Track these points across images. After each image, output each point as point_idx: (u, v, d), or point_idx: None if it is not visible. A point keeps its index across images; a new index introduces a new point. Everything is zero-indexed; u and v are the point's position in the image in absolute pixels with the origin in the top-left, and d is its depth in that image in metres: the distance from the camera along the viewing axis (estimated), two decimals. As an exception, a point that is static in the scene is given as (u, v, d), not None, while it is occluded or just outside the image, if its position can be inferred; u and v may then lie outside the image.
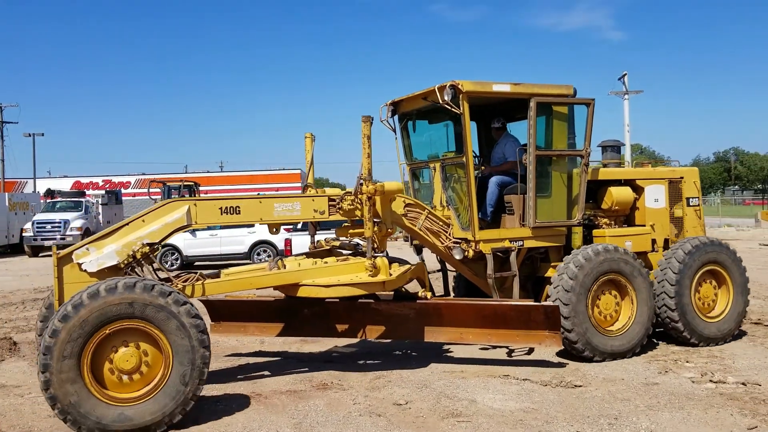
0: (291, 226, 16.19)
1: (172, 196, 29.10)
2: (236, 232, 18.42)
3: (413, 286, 7.22)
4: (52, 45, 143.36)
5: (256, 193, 29.13)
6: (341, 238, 7.27)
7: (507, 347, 7.51)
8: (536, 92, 7.17)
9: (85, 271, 5.56)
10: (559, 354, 7.18)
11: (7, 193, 32.29)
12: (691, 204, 8.30)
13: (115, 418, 5.00)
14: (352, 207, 6.63)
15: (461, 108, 6.93)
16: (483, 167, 7.70)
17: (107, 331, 5.11)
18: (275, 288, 6.75)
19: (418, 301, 6.88)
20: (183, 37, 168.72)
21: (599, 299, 7.01)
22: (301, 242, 15.20)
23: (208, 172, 52.44)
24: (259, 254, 18.56)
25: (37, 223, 26.25)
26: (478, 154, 8.24)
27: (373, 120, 6.47)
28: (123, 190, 39.48)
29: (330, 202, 6.63)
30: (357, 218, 6.81)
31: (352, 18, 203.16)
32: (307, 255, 7.10)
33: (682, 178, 8.30)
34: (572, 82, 7.40)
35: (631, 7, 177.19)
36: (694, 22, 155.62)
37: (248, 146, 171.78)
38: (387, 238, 6.96)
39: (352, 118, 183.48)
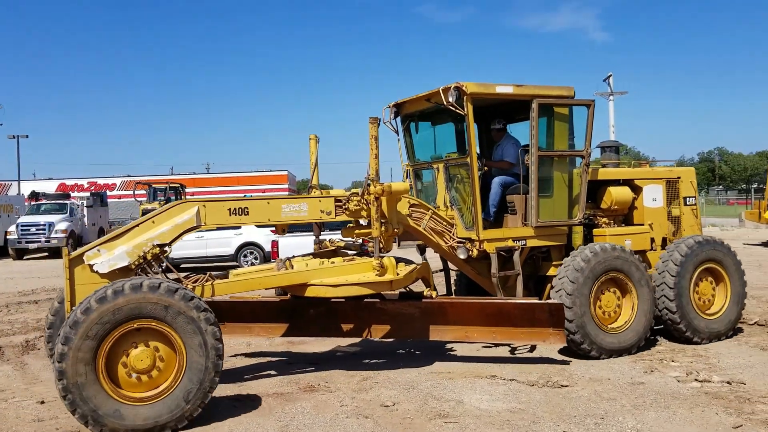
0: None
1: (158, 198, 29.01)
2: (222, 233, 18.13)
3: (416, 286, 7.28)
4: (36, 46, 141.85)
5: (242, 194, 29.06)
6: (346, 239, 7.33)
7: (507, 345, 7.60)
8: (538, 94, 7.29)
9: (97, 272, 5.58)
10: (561, 351, 7.28)
11: (-9, 196, 31.93)
12: (687, 203, 8.47)
13: (110, 413, 5.00)
14: (358, 207, 6.68)
15: (465, 109, 7.03)
16: (486, 167, 7.78)
17: (135, 326, 5.16)
18: (283, 288, 6.79)
19: (423, 300, 6.95)
20: (168, 38, 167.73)
21: (601, 297, 7.12)
22: (288, 244, 15.13)
23: (194, 173, 52.19)
24: (245, 256, 18.36)
25: (22, 225, 25.92)
26: (480, 154, 8.33)
27: (380, 121, 6.53)
28: (108, 192, 39.20)
29: (336, 203, 6.68)
30: (362, 219, 6.88)
31: (337, 19, 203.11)
32: (314, 255, 7.16)
33: (679, 177, 8.47)
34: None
35: (616, 7, 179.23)
36: (679, 23, 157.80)
37: (234, 147, 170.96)
38: (393, 238, 7.02)
39: (337, 119, 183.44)
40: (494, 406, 5.58)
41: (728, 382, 6.00)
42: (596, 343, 6.90)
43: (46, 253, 26.76)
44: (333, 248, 7.39)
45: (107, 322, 5.04)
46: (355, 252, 7.26)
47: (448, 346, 7.84)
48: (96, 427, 4.99)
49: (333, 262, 6.76)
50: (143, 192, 30.19)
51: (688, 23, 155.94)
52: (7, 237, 26.12)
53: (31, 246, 25.61)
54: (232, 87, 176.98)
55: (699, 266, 7.58)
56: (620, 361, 6.88)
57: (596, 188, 8.08)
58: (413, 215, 7.24)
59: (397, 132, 8.18)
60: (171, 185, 30.04)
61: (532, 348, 7.54)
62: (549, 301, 6.79)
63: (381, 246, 6.62)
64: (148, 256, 5.75)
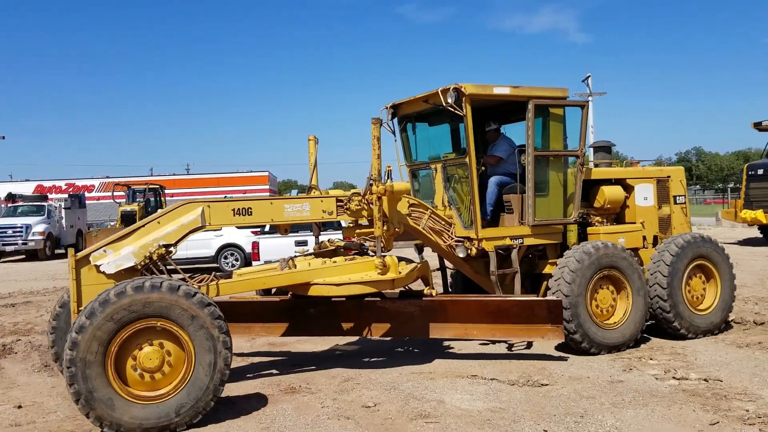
0: (258, 229, 16.06)
1: (137, 200, 28.70)
2: (203, 235, 17.80)
3: (415, 285, 7.37)
4: (10, 46, 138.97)
5: (223, 196, 28.90)
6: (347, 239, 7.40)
7: (492, 343, 7.72)
8: (534, 95, 7.43)
9: (104, 272, 5.58)
10: (557, 348, 7.42)
11: (-34, 198, 31.32)
12: (677, 202, 8.69)
13: (104, 399, 5.00)
14: (359, 207, 6.76)
15: (464, 110, 7.14)
16: (483, 167, 7.90)
17: (158, 324, 5.23)
18: (285, 288, 6.83)
19: (423, 298, 7.04)
20: (145, 38, 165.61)
21: (597, 294, 7.27)
22: (269, 245, 15.11)
23: (174, 174, 51.65)
24: (226, 257, 18.20)
25: (-2, 227, 25.51)
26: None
27: (382, 122, 6.62)
28: (86, 194, 38.57)
29: (338, 203, 6.75)
30: (363, 218, 6.95)
31: (316, 19, 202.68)
32: (315, 255, 7.21)
33: (669, 177, 8.68)
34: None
35: (596, 9, 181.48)
36: (657, 24, 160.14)
37: (215, 148, 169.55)
38: (393, 237, 7.10)
39: (319, 121, 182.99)
40: (475, 406, 5.59)
41: (705, 380, 6.06)
42: (592, 339, 7.04)
43: (23, 256, 26.34)
44: (333, 248, 7.45)
45: (134, 312, 5.11)
46: (355, 252, 7.33)
47: (430, 345, 7.89)
48: (85, 408, 4.98)
49: (335, 262, 6.82)
50: (122, 193, 29.80)
51: (666, 25, 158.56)
52: (-17, 240, 25.66)
53: (8, 248, 25.20)
54: (213, 87, 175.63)
55: (690, 263, 7.76)
56: (599, 359, 6.95)
57: (589, 187, 8.24)
58: (412, 215, 7.33)
59: (394, 133, 8.28)
60: (150, 186, 29.73)
61: (529, 345, 7.66)
62: (548, 297, 6.92)
63: (382, 245, 6.70)
64: (154, 257, 5.78)
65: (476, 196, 7.31)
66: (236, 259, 18.16)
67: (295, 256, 7.05)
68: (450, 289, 9.14)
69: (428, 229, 7.45)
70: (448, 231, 7.59)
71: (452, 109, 7.13)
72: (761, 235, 20.66)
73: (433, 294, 7.04)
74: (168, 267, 5.97)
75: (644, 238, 8.24)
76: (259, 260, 15.03)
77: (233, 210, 6.26)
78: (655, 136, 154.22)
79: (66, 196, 33.76)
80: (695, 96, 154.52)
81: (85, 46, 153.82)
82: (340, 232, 10.73)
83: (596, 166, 8.57)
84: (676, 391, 5.81)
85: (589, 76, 32.93)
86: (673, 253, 7.63)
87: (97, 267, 5.57)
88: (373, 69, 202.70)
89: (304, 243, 14.38)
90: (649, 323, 7.65)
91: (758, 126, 20.10)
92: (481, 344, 7.78)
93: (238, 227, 17.04)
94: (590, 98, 33.25)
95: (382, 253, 6.66)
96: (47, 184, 46.70)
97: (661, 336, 7.81)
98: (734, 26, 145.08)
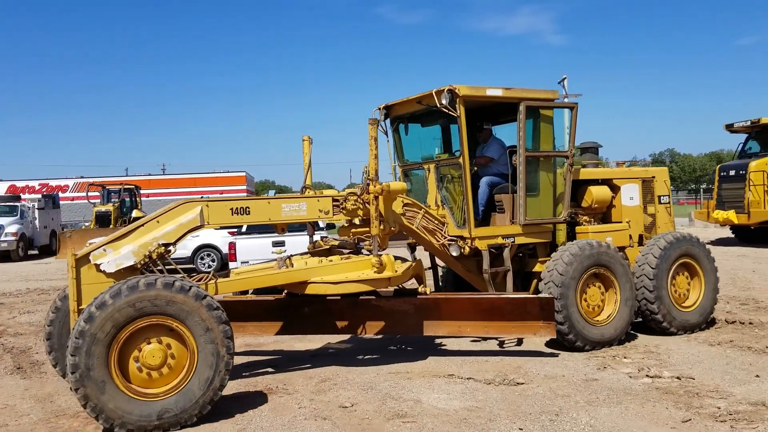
0: (236, 230, 15.99)
1: (112, 200, 28.34)
2: None
3: (407, 283, 7.45)
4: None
5: (199, 197, 28.63)
6: (342, 238, 7.46)
7: (477, 341, 7.84)
8: (526, 96, 7.59)
9: (103, 271, 5.57)
10: (547, 344, 7.57)
11: (-63, 198, 30.54)
12: (662, 202, 8.92)
13: (97, 380, 4.98)
14: (355, 207, 6.83)
15: (458, 111, 7.26)
16: (476, 168, 8.03)
17: (173, 324, 5.28)
18: (282, 287, 6.86)
19: (418, 296, 7.13)
20: (120, 37, 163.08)
21: (586, 291, 7.43)
22: (245, 246, 15.04)
23: (149, 174, 50.97)
24: (202, 258, 18.05)
25: (-30, 228, 24.99)
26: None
27: (379, 122, 6.70)
28: (60, 194, 37.93)
29: (334, 203, 6.82)
30: (358, 218, 7.02)
31: (294, 19, 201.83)
32: (311, 254, 7.26)
33: (653, 177, 8.91)
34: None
35: (572, 11, 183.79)
36: (632, 27, 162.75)
37: (191, 148, 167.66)
38: (389, 236, 7.17)
39: (297, 122, 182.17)
40: (451, 405, 5.62)
41: (678, 378, 6.15)
42: (582, 335, 7.20)
43: (-6, 257, 25.84)
44: (327, 247, 7.50)
45: (157, 306, 5.19)
46: (350, 251, 7.40)
47: (417, 343, 7.97)
48: (77, 383, 4.96)
49: (331, 260, 6.88)
50: (97, 194, 29.37)
51: (640, 27, 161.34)
52: (-45, 240, 25.10)
53: (-19, 250, 24.71)
54: (190, 87, 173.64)
55: (675, 261, 7.96)
56: (574, 358, 7.05)
57: (577, 187, 8.42)
58: (406, 214, 7.42)
59: (386, 133, 8.36)
60: (125, 187, 29.38)
61: (520, 342, 7.80)
62: (540, 295, 7.06)
63: (379, 244, 6.78)
64: (154, 256, 5.77)
65: (469, 196, 7.43)
66: (213, 260, 18.03)
67: (292, 255, 7.08)
68: (441, 286, 9.26)
69: (422, 228, 7.55)
70: (441, 230, 7.70)
71: (446, 111, 7.24)
72: (733, 235, 21.10)
73: (427, 292, 7.13)
74: (167, 266, 5.96)
75: (630, 237, 8.44)
76: (235, 261, 14.94)
77: (231, 209, 6.28)
78: (629, 137, 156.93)
79: (39, 196, 33.19)
80: (669, 98, 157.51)
81: (58, 46, 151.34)
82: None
83: (583, 166, 8.75)
84: (650, 389, 5.88)
85: (565, 78, 33.09)
86: (658, 252, 7.83)
87: (97, 266, 5.56)
88: (352, 69, 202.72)
89: (282, 244, 14.33)
90: (635, 321, 7.84)
91: (730, 128, 20.53)
92: (472, 341, 7.89)
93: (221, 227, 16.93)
94: (566, 99, 33.60)
95: (379, 252, 6.74)
96: (20, 184, 45.76)
97: (645, 332, 7.98)
98: (707, 28, 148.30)
